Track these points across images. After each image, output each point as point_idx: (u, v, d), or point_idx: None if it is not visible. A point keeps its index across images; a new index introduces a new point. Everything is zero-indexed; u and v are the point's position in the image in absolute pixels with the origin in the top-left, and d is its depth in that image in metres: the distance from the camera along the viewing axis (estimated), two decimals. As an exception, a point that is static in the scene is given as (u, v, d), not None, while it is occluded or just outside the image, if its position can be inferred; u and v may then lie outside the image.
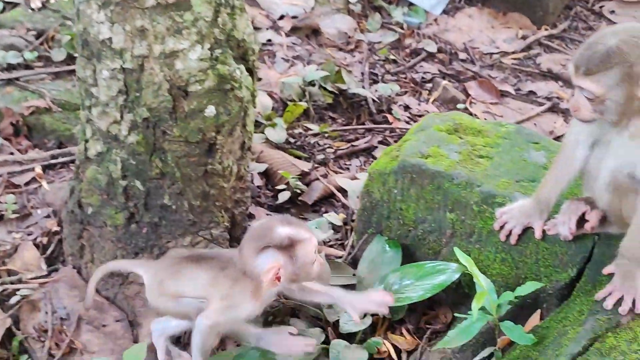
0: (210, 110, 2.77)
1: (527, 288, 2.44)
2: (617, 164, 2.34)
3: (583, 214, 2.51)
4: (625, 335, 2.31)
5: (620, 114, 2.24)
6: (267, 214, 3.34)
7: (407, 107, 4.05)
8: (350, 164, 3.68)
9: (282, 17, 4.50)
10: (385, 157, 2.92)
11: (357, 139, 3.82)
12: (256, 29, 4.40)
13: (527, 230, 2.59)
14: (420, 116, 3.96)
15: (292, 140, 3.73)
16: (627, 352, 2.25)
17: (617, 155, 2.33)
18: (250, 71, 2.93)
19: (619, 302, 2.34)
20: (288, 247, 2.43)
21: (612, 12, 4.86)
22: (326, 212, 3.33)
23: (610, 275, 2.40)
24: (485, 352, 2.50)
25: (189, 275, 2.55)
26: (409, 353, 2.72)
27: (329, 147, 3.74)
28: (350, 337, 2.71)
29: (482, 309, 2.43)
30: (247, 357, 2.60)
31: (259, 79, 4.07)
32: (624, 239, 2.37)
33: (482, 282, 2.42)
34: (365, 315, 2.67)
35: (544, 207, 2.55)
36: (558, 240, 2.54)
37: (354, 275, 2.88)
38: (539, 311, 2.58)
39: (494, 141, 2.91)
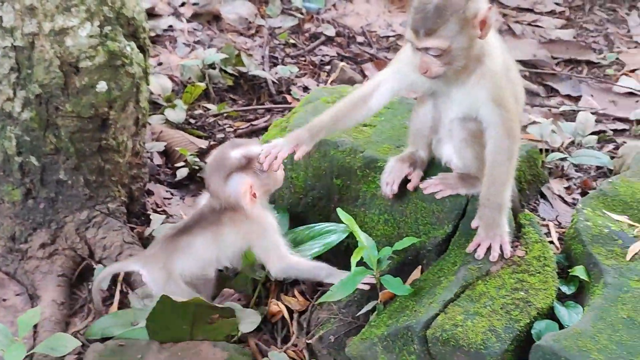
0: (102, 86, 2.85)
1: (404, 243, 2.59)
2: (460, 111, 2.53)
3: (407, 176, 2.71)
4: (495, 283, 2.47)
5: (466, 58, 2.41)
6: (167, 191, 3.44)
7: (305, 88, 4.17)
8: (250, 143, 3.78)
9: (183, 4, 4.59)
10: (275, 129, 3.04)
11: (256, 118, 3.93)
12: (158, 16, 4.50)
13: (406, 190, 2.74)
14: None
15: (192, 120, 3.83)
16: (495, 297, 2.42)
17: (461, 104, 2.52)
18: (142, 48, 3.02)
19: (489, 250, 2.51)
20: (248, 165, 2.60)
21: (503, -5, 5.08)
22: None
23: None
24: (369, 306, 2.64)
25: (189, 249, 2.65)
26: (301, 313, 2.85)
27: (229, 127, 3.84)
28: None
29: (364, 264, 2.57)
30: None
31: (160, 63, 4.16)
32: (482, 190, 2.54)
33: (362, 238, 2.56)
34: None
35: (314, 133, 2.64)
36: (435, 199, 2.70)
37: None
38: (419, 267, 2.72)
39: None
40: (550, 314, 2.43)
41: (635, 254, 2.56)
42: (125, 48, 2.89)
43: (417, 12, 2.34)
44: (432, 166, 2.79)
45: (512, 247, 2.56)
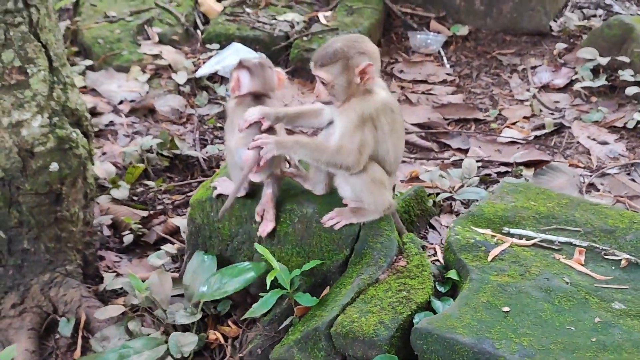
0: (54, 166, 3.45)
1: (310, 264, 3.21)
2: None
3: None
4: (383, 287, 3.09)
5: (345, 94, 3.13)
6: (116, 255, 4.02)
7: (233, 163, 4.80)
8: (186, 211, 4.37)
9: (121, 102, 5.23)
10: (202, 189, 3.66)
11: (191, 190, 4.53)
12: (100, 113, 5.13)
13: (312, 226, 3.35)
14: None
15: (135, 197, 4.42)
16: (383, 297, 3.03)
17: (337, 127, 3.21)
18: (85, 134, 3.64)
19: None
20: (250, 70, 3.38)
21: (401, 71, 5.82)
22: (165, 247, 4.02)
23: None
24: (288, 321, 3.23)
25: None
26: (234, 339, 3.42)
27: (167, 200, 4.44)
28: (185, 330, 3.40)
29: (280, 286, 3.18)
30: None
31: (104, 153, 4.78)
32: None
33: (275, 264, 3.17)
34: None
35: (280, 115, 3.35)
36: (334, 230, 3.32)
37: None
38: (328, 287, 3.32)
39: (285, 167, 3.69)
40: (428, 307, 3.05)
41: (495, 256, 3.20)
42: (71, 134, 3.51)
43: (320, 51, 3.15)
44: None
45: (396, 259, 3.19)
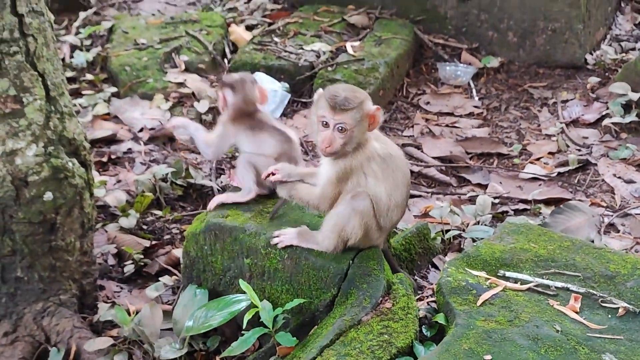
0: (48, 196, 3.45)
1: (293, 303, 3.13)
2: None
3: None
4: (364, 330, 2.99)
5: (356, 143, 3.13)
6: (117, 285, 4.00)
7: (247, 193, 4.76)
8: (194, 242, 4.35)
9: (141, 130, 5.24)
10: (197, 222, 3.62)
11: (201, 221, 4.50)
12: (120, 141, 5.15)
13: (301, 263, 3.28)
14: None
15: (144, 226, 4.41)
16: (364, 340, 2.93)
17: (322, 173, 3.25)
18: (83, 164, 3.64)
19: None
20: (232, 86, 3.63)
21: (428, 103, 5.72)
22: (166, 278, 3.99)
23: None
24: (271, 360, 3.16)
25: None
26: (221, 377, 3.35)
27: (176, 229, 4.41)
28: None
29: (263, 324, 3.11)
30: None
31: (119, 181, 4.78)
32: None
33: (257, 301, 3.10)
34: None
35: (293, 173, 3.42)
36: (323, 268, 3.24)
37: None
38: (315, 327, 3.24)
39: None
40: (410, 352, 2.93)
41: (486, 300, 3.07)
42: (67, 163, 3.50)
43: (333, 98, 3.10)
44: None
45: (382, 300, 3.09)
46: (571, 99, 5.65)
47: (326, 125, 3.13)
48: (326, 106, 3.11)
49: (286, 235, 3.31)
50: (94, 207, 3.77)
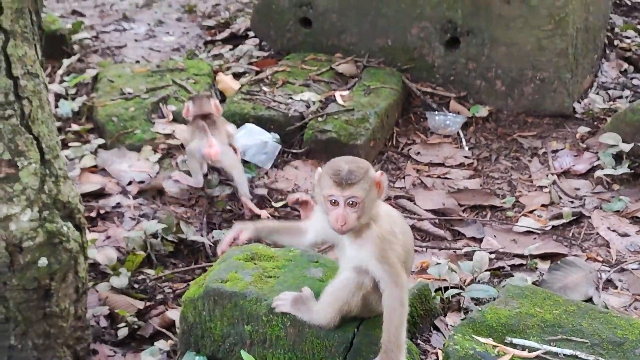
0: (43, 262, 3.36)
1: (296, 374, 3.06)
2: (352, 264, 3.11)
3: None
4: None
5: (369, 214, 3.03)
6: (110, 349, 3.89)
7: (238, 248, 4.68)
8: (187, 301, 4.26)
9: (130, 183, 5.16)
10: (195, 286, 3.54)
11: (193, 278, 4.40)
12: (108, 195, 5.06)
13: (304, 331, 3.21)
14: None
15: (136, 285, 4.31)
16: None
17: (353, 259, 3.11)
18: (78, 227, 3.55)
19: None
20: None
21: (418, 153, 5.69)
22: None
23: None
24: None
25: None
26: None
27: (168, 288, 4.32)
28: None
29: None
30: None
31: (108, 237, 4.69)
32: (383, 334, 3.01)
33: (260, 374, 3.02)
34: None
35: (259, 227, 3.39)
36: (327, 336, 3.17)
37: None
38: (318, 397, 3.16)
39: (282, 263, 3.56)
40: None
41: (495, 369, 3.02)
42: (62, 228, 3.42)
43: (337, 174, 3.00)
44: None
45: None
46: (561, 149, 5.65)
47: (335, 203, 3.02)
48: (331, 184, 3.01)
49: (283, 301, 3.23)
50: (87, 269, 3.69)
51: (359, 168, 3.03)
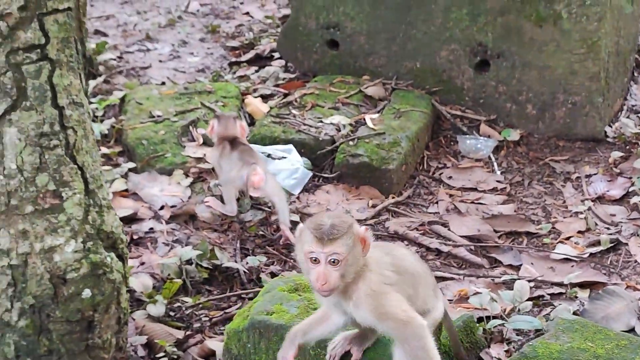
0: (87, 293, 3.32)
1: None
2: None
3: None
4: None
5: (355, 272, 2.88)
6: (149, 379, 3.86)
7: (273, 275, 4.64)
8: (224, 329, 4.18)
9: (162, 207, 5.12)
10: (239, 318, 3.50)
11: (229, 306, 4.37)
12: (140, 220, 5.02)
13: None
14: (287, 282, 4.57)
15: (172, 313, 4.27)
16: None
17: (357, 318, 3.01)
18: (120, 257, 3.52)
19: None
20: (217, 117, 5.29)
21: (450, 177, 5.65)
22: (201, 374, 3.85)
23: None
24: None
25: None
26: None
27: (205, 316, 4.28)
28: None
29: None
30: None
31: (142, 263, 4.65)
32: None
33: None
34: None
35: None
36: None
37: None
38: None
39: (326, 295, 3.51)
40: None
41: (550, 407, 2.97)
42: (105, 258, 3.38)
43: (318, 229, 2.84)
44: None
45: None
46: (594, 174, 5.60)
47: (316, 261, 2.86)
48: (312, 239, 2.85)
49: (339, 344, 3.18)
50: (132, 297, 3.65)
51: (342, 222, 2.87)
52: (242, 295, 4.46)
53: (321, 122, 5.80)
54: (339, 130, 5.71)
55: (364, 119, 5.85)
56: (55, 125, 3.24)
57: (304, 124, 5.74)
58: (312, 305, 3.45)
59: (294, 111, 5.93)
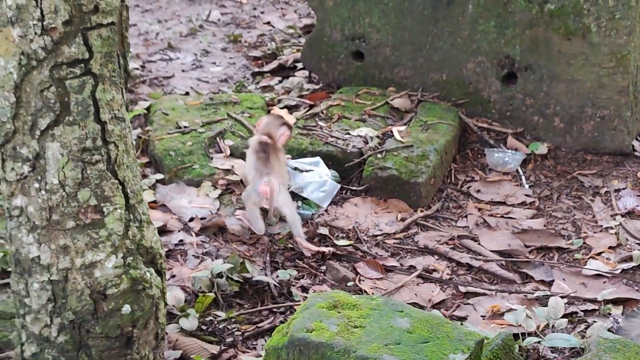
0: (126, 309, 3.31)
1: None
2: None
3: None
4: None
5: None
6: (184, 394, 3.84)
7: (304, 289, 4.63)
8: (256, 344, 4.20)
9: (191, 219, 5.11)
10: (278, 335, 3.47)
11: (261, 320, 4.35)
12: (169, 232, 5.01)
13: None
14: (319, 294, 4.55)
15: (204, 327, 4.26)
16: None
17: None
18: (159, 272, 3.50)
19: None
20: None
21: (478, 191, 5.62)
22: (235, 389, 3.83)
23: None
24: None
25: None
26: None
27: (237, 330, 4.26)
28: None
29: None
30: None
31: (173, 276, 4.64)
32: None
33: None
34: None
35: None
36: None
37: None
38: None
39: (366, 312, 3.49)
40: None
41: None
42: (145, 274, 3.37)
43: None
44: None
45: None
46: (623, 188, 5.57)
47: None
48: None
49: None
50: (165, 315, 3.64)
51: None
52: (274, 310, 4.43)
53: (348, 134, 5.78)
54: (366, 142, 5.69)
55: (391, 131, 5.84)
56: (98, 140, 3.22)
57: (331, 136, 5.73)
58: (352, 322, 3.42)
59: (320, 123, 5.92)
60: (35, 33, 3.05)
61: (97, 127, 3.22)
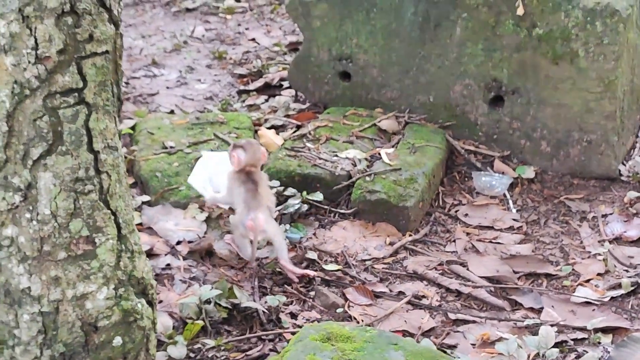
0: (117, 341, 3.26)
1: None
2: None
3: None
4: None
5: None
6: (174, 423, 3.79)
7: (293, 315, 4.59)
8: (244, 373, 4.17)
9: (179, 243, 5.06)
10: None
11: (250, 348, 4.31)
12: (156, 255, 4.96)
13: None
14: (307, 320, 4.52)
15: (192, 355, 4.20)
16: None
17: None
18: (150, 303, 3.46)
19: None
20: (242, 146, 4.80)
21: (466, 215, 5.61)
22: (225, 419, 3.78)
23: None
24: None
25: None
26: None
27: (225, 359, 4.21)
28: None
29: None
30: None
31: (160, 301, 4.58)
32: None
33: None
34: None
35: None
36: None
37: None
38: None
39: (360, 345, 3.46)
40: None
41: None
42: (136, 305, 3.32)
43: None
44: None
45: None
46: (610, 214, 5.58)
47: None
48: None
49: None
50: (155, 346, 3.59)
51: None
52: (263, 337, 4.39)
53: (336, 156, 5.76)
54: (354, 165, 5.67)
55: (379, 154, 5.82)
56: (90, 170, 3.18)
57: (320, 158, 5.70)
58: (345, 356, 3.39)
59: (308, 144, 5.89)
60: (29, 62, 3.00)
61: (90, 157, 3.18)
